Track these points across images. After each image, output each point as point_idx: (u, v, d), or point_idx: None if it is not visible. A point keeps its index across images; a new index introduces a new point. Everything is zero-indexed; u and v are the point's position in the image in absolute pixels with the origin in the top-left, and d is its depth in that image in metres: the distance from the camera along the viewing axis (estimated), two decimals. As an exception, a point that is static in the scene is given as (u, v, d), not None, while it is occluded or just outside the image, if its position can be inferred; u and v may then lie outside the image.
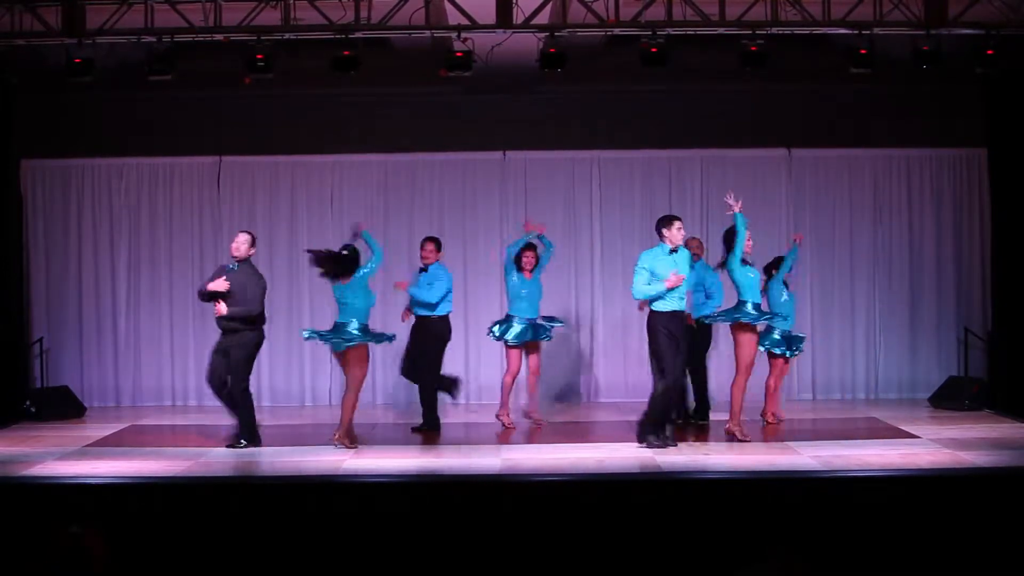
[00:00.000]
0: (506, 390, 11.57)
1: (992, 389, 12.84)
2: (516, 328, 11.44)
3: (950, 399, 12.75)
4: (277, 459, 10.05)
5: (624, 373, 13.81)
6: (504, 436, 11.25)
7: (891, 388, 13.82)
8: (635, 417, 10.43)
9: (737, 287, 10.69)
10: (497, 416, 11.61)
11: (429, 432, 11.30)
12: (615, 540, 8.26)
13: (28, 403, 12.59)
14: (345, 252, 10.40)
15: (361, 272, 10.35)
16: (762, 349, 11.28)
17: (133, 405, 13.63)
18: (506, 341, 11.50)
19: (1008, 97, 12.83)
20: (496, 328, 11.57)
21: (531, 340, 11.54)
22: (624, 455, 9.92)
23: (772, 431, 11.36)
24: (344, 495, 8.73)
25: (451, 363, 12.05)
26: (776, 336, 11.51)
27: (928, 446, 10.26)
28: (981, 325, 13.64)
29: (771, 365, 11.62)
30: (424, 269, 11.41)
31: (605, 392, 13.83)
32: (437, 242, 11.57)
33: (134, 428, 12.03)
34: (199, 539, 8.31)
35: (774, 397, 11.71)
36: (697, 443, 10.67)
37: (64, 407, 12.80)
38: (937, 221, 13.86)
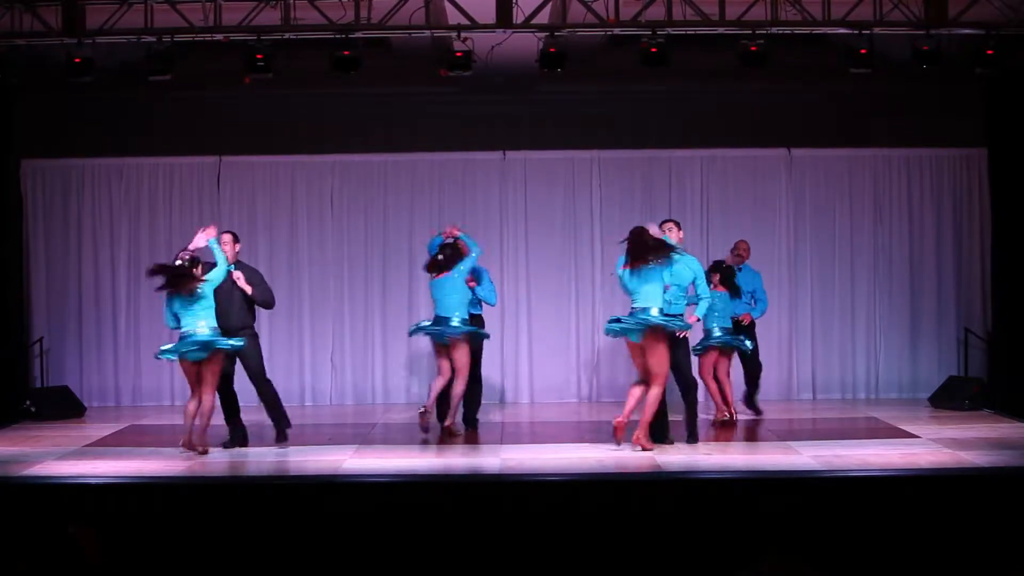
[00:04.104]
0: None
1: (992, 389, 12.83)
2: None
3: (950, 399, 12.75)
4: (277, 459, 10.06)
5: (624, 373, 13.78)
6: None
7: (891, 388, 13.82)
8: (634, 417, 10.41)
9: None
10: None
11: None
12: (615, 540, 8.26)
13: (28, 403, 12.59)
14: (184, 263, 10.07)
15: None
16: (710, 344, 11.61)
17: (133, 405, 13.63)
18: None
19: (1008, 97, 12.83)
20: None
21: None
22: (624, 455, 9.91)
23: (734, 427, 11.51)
24: (344, 495, 8.73)
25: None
26: (719, 333, 11.62)
27: (928, 446, 10.26)
28: (981, 325, 13.64)
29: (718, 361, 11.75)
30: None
31: (605, 392, 13.83)
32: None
33: (134, 428, 12.03)
34: (199, 539, 8.30)
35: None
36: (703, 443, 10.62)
37: (64, 407, 12.80)
38: (937, 221, 13.86)
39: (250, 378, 10.55)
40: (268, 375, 10.60)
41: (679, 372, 10.29)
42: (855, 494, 8.65)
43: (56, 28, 11.03)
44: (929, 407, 12.88)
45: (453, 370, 11.04)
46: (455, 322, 10.96)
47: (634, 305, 9.93)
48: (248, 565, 8.18)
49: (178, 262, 10.02)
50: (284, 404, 13.69)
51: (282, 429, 10.59)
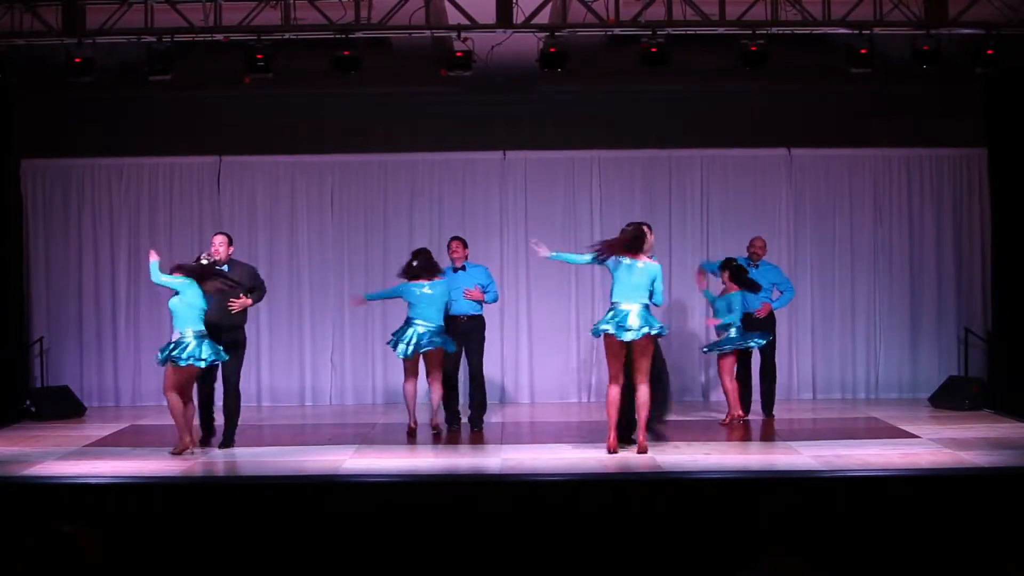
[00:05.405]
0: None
1: (992, 389, 12.84)
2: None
3: (950, 399, 12.75)
4: (277, 459, 10.06)
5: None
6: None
7: (891, 388, 13.82)
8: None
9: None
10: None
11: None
12: (615, 540, 8.26)
13: (28, 403, 12.60)
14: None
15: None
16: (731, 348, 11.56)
17: (133, 405, 13.61)
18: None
19: (1008, 97, 12.83)
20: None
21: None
22: (624, 455, 9.91)
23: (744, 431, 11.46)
24: (344, 495, 8.73)
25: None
26: (734, 334, 11.60)
27: (928, 446, 10.27)
28: (981, 325, 13.64)
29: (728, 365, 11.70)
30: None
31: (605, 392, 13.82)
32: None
33: (134, 428, 12.03)
34: (199, 539, 8.30)
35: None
36: (697, 442, 10.64)
37: (64, 407, 12.81)
38: (937, 221, 13.85)
39: (224, 381, 10.51)
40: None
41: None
42: (855, 494, 8.66)
43: (56, 28, 11.03)
44: (929, 407, 12.88)
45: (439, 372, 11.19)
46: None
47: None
48: (248, 565, 8.18)
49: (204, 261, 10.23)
50: (284, 404, 13.78)
51: (230, 437, 10.50)
